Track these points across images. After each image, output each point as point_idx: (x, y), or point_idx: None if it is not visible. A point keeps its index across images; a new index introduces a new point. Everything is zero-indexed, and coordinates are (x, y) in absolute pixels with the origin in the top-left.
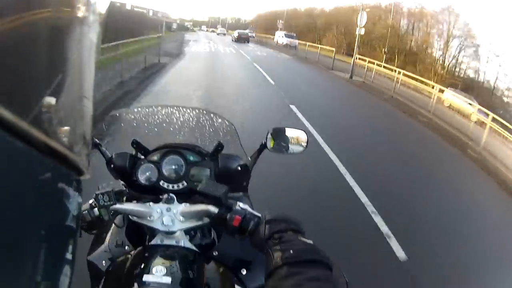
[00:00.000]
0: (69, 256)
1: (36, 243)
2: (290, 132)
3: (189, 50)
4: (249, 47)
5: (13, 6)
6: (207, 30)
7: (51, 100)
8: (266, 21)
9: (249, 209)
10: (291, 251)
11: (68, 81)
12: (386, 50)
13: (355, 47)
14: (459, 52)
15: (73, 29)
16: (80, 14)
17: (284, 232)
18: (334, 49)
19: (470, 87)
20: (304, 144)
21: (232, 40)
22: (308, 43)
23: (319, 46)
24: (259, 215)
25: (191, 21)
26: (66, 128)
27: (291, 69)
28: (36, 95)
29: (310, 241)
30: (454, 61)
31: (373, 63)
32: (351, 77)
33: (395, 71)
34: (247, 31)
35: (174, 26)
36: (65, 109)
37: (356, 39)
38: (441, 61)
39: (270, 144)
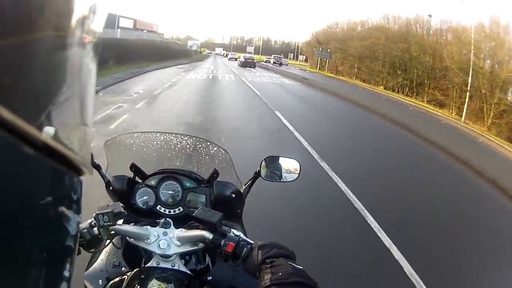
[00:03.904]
0: (66, 273)
1: (35, 252)
2: (283, 161)
3: None
4: None
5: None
6: (224, 55)
7: (51, 99)
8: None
9: (242, 236)
10: (280, 273)
11: (69, 79)
12: None
13: None
14: None
15: (74, 27)
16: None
17: (276, 258)
18: None
19: None
20: (296, 172)
21: (238, 65)
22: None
23: None
24: (252, 242)
25: (208, 43)
26: (67, 127)
27: None
28: (36, 94)
29: (300, 267)
30: None
31: None
32: None
33: None
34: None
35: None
36: (65, 107)
37: None
38: None
39: (264, 172)
